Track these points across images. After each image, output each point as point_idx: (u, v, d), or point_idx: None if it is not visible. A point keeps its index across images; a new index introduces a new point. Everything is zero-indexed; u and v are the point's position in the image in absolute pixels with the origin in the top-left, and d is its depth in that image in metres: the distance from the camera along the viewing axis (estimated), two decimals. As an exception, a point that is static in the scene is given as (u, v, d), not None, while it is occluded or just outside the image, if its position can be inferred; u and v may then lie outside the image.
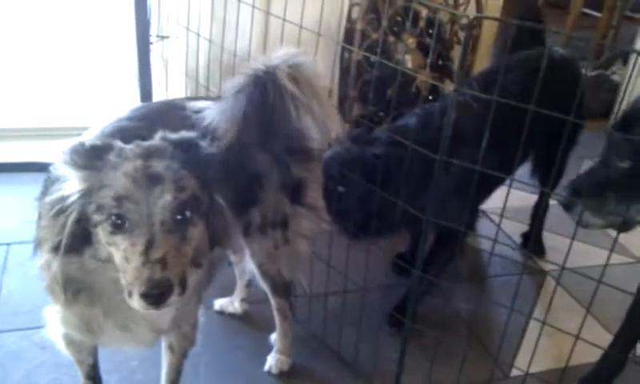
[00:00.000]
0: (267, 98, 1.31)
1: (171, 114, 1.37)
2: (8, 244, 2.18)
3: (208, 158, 1.10)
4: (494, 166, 1.41)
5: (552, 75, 1.36)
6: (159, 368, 1.50)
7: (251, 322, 1.98)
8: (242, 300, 2.00)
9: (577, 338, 1.37)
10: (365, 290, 1.91)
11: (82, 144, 1.03)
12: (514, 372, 1.86)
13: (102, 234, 1.01)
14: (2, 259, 2.11)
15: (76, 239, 1.02)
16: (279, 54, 1.35)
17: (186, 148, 1.08)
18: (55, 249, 1.04)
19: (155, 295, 0.97)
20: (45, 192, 1.15)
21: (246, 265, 1.67)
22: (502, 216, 1.45)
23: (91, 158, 1.01)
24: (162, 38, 2.46)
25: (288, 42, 1.94)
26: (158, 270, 0.96)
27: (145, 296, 0.96)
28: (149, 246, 0.97)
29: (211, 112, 1.32)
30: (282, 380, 1.78)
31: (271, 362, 1.80)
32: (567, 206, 1.47)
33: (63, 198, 1.02)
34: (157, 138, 1.08)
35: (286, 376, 1.79)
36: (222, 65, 2.24)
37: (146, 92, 2.32)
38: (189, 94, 2.45)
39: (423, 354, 1.81)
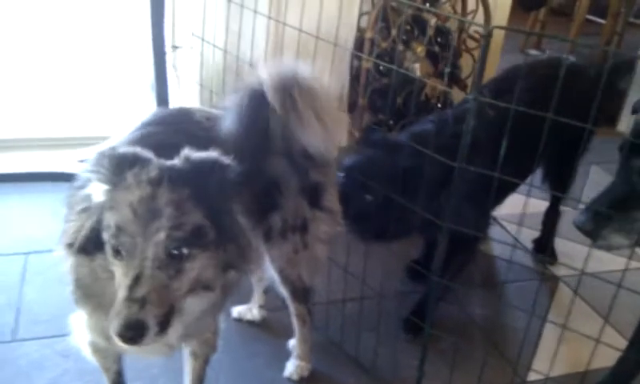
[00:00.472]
0: (260, 111, 1.33)
1: (187, 119, 1.40)
2: (27, 253, 2.20)
3: (229, 179, 1.09)
4: (507, 172, 1.43)
5: (563, 83, 1.37)
6: (180, 375, 1.52)
7: (269, 328, 2.00)
8: (260, 307, 2.01)
9: (597, 341, 1.38)
10: (381, 297, 1.93)
11: (108, 154, 1.04)
12: (532, 376, 1.87)
13: (108, 250, 1.04)
14: (21, 269, 2.13)
15: (89, 243, 1.06)
16: (272, 67, 1.35)
17: (208, 169, 1.08)
18: (70, 245, 1.08)
19: (128, 336, 0.99)
20: (72, 197, 1.18)
21: (266, 271, 1.69)
22: (520, 224, 1.46)
23: (113, 172, 1.03)
24: (175, 48, 2.50)
25: (296, 50, 1.98)
26: (135, 309, 0.98)
27: (118, 335, 0.99)
28: (136, 281, 0.99)
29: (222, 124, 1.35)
30: (302, 386, 1.80)
31: (291, 368, 1.82)
32: (591, 233, 1.40)
33: (89, 198, 1.07)
34: (181, 157, 1.08)
35: (306, 382, 1.81)
36: (236, 74, 2.28)
37: (162, 101, 2.35)
38: (201, 104, 2.48)
39: (441, 360, 1.83)
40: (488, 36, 1.30)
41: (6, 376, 1.71)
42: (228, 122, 1.33)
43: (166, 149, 1.14)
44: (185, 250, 1.04)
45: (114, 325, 0.99)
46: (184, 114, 1.45)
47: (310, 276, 1.66)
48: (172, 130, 1.32)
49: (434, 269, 1.60)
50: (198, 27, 2.37)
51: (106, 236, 1.03)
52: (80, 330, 1.31)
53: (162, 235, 1.00)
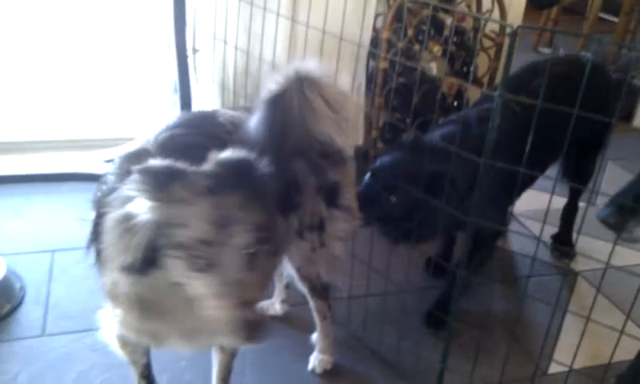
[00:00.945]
0: (279, 115, 1.34)
1: (211, 121, 1.42)
2: (53, 251, 2.24)
3: (263, 176, 1.12)
4: (526, 169, 1.46)
5: (581, 80, 1.39)
6: (207, 367, 1.56)
7: (292, 323, 2.03)
8: (283, 301, 2.04)
9: (621, 332, 1.40)
10: (403, 292, 1.95)
11: (147, 170, 1.03)
12: (553, 369, 1.90)
13: (177, 266, 1.04)
14: (48, 266, 2.18)
15: (144, 262, 1.05)
16: (291, 70, 1.36)
17: (247, 169, 1.10)
18: (124, 269, 1.07)
19: (250, 337, 1.05)
20: (101, 199, 1.19)
21: (285, 268, 1.71)
22: (543, 220, 1.48)
23: (158, 188, 1.02)
24: (196, 51, 2.54)
25: (315, 51, 2.01)
26: (249, 312, 1.04)
27: (246, 338, 1.05)
28: (227, 288, 1.03)
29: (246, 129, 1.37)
30: (326, 379, 1.83)
31: (314, 361, 1.85)
32: (615, 226, 1.40)
33: (130, 217, 1.03)
34: (214, 161, 1.08)
35: (330, 375, 1.84)
36: (255, 75, 2.32)
37: (185, 103, 2.39)
38: (223, 105, 2.53)
39: (462, 353, 1.85)
40: (514, 34, 1.32)
41: (36, 370, 1.76)
42: (251, 129, 1.35)
43: (193, 150, 1.16)
44: (257, 248, 1.07)
45: (230, 331, 1.04)
46: (208, 117, 1.47)
47: (327, 273, 1.68)
48: (197, 132, 1.34)
49: (458, 263, 1.62)
50: (219, 30, 2.41)
51: (176, 253, 1.02)
52: (109, 326, 1.33)
53: (238, 240, 1.04)
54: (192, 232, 1.01)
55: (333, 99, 1.35)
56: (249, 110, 1.45)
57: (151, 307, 1.14)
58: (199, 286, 1.04)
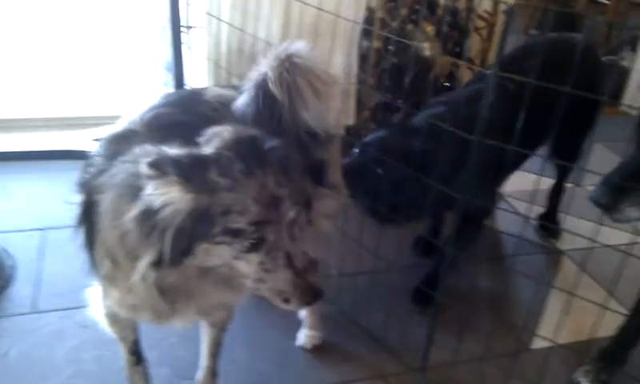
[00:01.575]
0: (267, 97, 1.34)
1: (198, 99, 1.41)
2: (44, 229, 2.25)
3: (273, 149, 1.12)
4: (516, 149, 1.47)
5: (572, 61, 1.40)
6: (197, 343, 1.58)
7: (282, 300, 2.05)
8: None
9: (602, 307, 1.43)
10: (392, 270, 1.98)
11: (171, 160, 0.99)
12: (536, 344, 1.93)
13: (225, 250, 1.04)
14: (39, 244, 2.19)
15: (176, 253, 1.02)
16: (279, 51, 1.35)
17: (258, 146, 1.09)
18: (156, 263, 1.03)
19: (309, 301, 1.14)
20: (90, 181, 1.16)
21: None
22: (531, 200, 1.49)
23: (193, 178, 0.99)
24: (189, 28, 2.52)
25: (309, 29, 2.00)
26: (309, 277, 1.11)
27: (308, 303, 1.14)
28: (290, 259, 1.08)
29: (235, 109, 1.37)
30: (315, 355, 1.86)
31: (303, 337, 1.88)
32: (606, 207, 1.39)
33: (152, 212, 0.99)
34: (220, 141, 1.06)
35: (319, 351, 1.87)
36: (249, 53, 2.31)
37: (179, 81, 2.37)
38: (215, 83, 2.51)
39: (448, 329, 1.88)
40: (510, 12, 1.33)
41: (27, 346, 1.77)
42: (238, 108, 1.35)
43: (180, 129, 1.16)
44: (305, 215, 1.13)
45: (297, 298, 1.11)
46: (194, 95, 1.46)
47: (314, 250, 1.69)
48: (183, 110, 1.32)
49: (447, 241, 1.64)
50: (214, 7, 2.39)
51: (227, 239, 1.02)
52: (98, 303, 1.35)
53: (292, 214, 1.08)
54: (244, 217, 1.01)
55: (320, 81, 1.35)
56: (236, 87, 1.44)
57: (179, 295, 1.14)
58: (249, 265, 1.06)
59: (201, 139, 1.08)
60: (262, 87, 1.33)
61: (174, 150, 1.02)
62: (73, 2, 2.93)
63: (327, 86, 1.37)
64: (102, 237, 1.14)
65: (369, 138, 1.91)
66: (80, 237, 1.22)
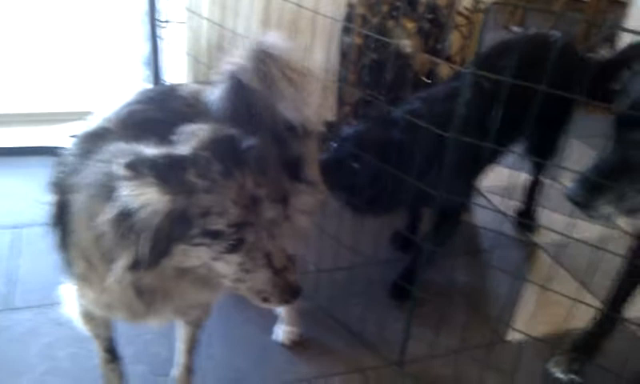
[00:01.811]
0: (242, 92, 1.32)
1: (171, 95, 1.39)
2: (19, 226, 2.22)
3: (250, 148, 1.11)
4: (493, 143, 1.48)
5: (549, 58, 1.41)
6: (172, 339, 1.57)
7: (260, 296, 2.04)
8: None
9: (575, 300, 1.45)
10: (370, 265, 1.98)
11: (148, 161, 0.97)
12: (512, 336, 1.95)
13: (204, 252, 1.03)
14: (14, 241, 2.16)
15: (153, 256, 1.01)
16: (253, 43, 1.34)
17: (235, 145, 1.08)
18: (133, 266, 1.02)
19: (287, 300, 1.14)
20: (63, 181, 1.15)
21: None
22: (508, 196, 1.51)
23: (170, 179, 0.97)
24: (166, 22, 2.50)
25: (288, 24, 1.99)
26: (288, 276, 1.11)
27: (287, 301, 1.15)
28: (269, 259, 1.08)
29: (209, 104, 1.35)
30: (293, 350, 1.86)
31: (280, 333, 1.87)
32: (583, 204, 1.39)
33: (128, 213, 0.97)
34: (197, 141, 1.04)
35: (297, 346, 1.87)
36: (229, 48, 2.28)
37: (157, 77, 2.36)
38: (195, 79, 2.50)
39: (425, 323, 1.88)
40: (488, 11, 1.33)
41: (1, 342, 1.75)
42: (213, 103, 1.33)
43: (154, 126, 1.16)
44: (280, 214, 1.14)
45: (277, 297, 1.12)
46: (168, 91, 1.44)
47: (292, 246, 1.67)
48: (157, 107, 1.31)
49: (425, 236, 1.65)
50: (193, 1, 2.37)
51: (206, 240, 1.01)
52: (72, 301, 1.33)
53: (270, 214, 1.08)
54: (223, 218, 1.01)
55: (295, 71, 1.34)
56: (211, 83, 1.42)
57: (157, 295, 1.13)
58: (228, 265, 1.06)
59: (176, 138, 1.07)
60: (236, 80, 1.32)
61: (150, 150, 1.00)
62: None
63: (302, 77, 1.35)
64: (76, 238, 1.13)
65: (345, 131, 1.91)
66: (53, 236, 1.20)
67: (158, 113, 1.28)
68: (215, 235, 1.01)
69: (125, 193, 0.96)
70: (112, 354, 1.51)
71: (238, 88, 1.32)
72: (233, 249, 1.04)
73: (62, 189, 1.16)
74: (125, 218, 0.98)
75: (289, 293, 1.12)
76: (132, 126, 1.20)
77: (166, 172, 0.97)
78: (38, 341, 1.78)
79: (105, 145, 1.12)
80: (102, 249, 1.05)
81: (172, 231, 0.99)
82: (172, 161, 0.99)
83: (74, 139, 1.22)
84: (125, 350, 1.58)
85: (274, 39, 1.34)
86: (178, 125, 1.09)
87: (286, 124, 1.44)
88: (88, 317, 1.37)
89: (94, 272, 1.13)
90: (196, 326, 1.53)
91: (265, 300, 1.12)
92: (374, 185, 1.80)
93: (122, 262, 1.02)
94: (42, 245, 1.21)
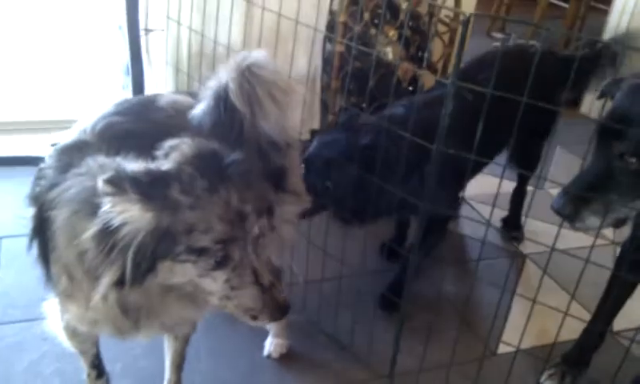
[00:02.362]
0: (226, 108, 1.30)
1: (151, 107, 1.37)
2: (0, 237, 2.18)
3: (234, 163, 1.10)
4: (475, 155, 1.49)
5: (529, 69, 1.41)
6: (160, 354, 1.56)
7: (248, 309, 2.03)
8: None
9: (565, 314, 1.46)
10: (358, 276, 1.98)
11: (129, 177, 0.95)
12: (502, 349, 1.98)
13: (189, 269, 1.02)
14: (-3, 253, 2.12)
15: (137, 273, 0.99)
16: (237, 59, 1.32)
17: (219, 160, 1.07)
18: (118, 283, 1.00)
19: (276, 317, 1.13)
20: (41, 195, 1.12)
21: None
22: (493, 204, 1.52)
23: (154, 196, 0.96)
24: (148, 31, 2.48)
25: (269, 33, 1.98)
26: (276, 293, 1.10)
27: (276, 319, 1.14)
28: (256, 275, 1.07)
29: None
30: (282, 363, 1.85)
31: (269, 346, 1.87)
32: (569, 216, 1.40)
33: (111, 231, 0.96)
34: (180, 156, 1.03)
35: (286, 359, 1.86)
36: (209, 57, 2.27)
37: (137, 85, 2.33)
38: (177, 88, 2.48)
39: (415, 336, 1.90)
40: (467, 22, 1.34)
41: (-15, 359, 1.71)
42: (195, 118, 1.30)
43: (133, 138, 1.14)
44: (267, 229, 1.12)
45: (267, 315, 1.11)
46: (147, 102, 1.42)
47: (278, 256, 1.67)
48: (136, 118, 1.29)
49: (411, 247, 1.66)
50: (173, 10, 2.36)
51: (191, 257, 1.00)
52: (56, 317, 1.31)
53: (256, 229, 1.07)
54: (209, 235, 0.99)
55: (280, 91, 1.33)
56: (192, 94, 1.41)
57: (142, 311, 1.12)
58: (214, 282, 1.05)
59: (158, 152, 1.05)
60: (223, 97, 1.30)
61: (132, 165, 0.99)
62: (30, 2, 2.85)
63: (287, 96, 1.34)
64: (59, 254, 1.11)
65: (310, 151, 1.90)
66: (34, 251, 1.19)
67: (136, 124, 1.26)
68: (201, 252, 1.00)
69: (106, 209, 0.95)
70: (98, 370, 1.50)
71: (224, 105, 1.31)
72: (219, 265, 1.03)
73: (40, 203, 1.14)
74: (108, 234, 0.96)
75: (277, 310, 1.11)
76: (110, 138, 1.18)
77: (149, 188, 0.96)
78: (23, 357, 1.75)
79: (83, 158, 1.10)
80: (86, 265, 1.04)
81: (156, 248, 0.98)
82: (155, 177, 0.98)
83: (51, 152, 1.20)
84: (112, 365, 1.58)
85: (259, 57, 1.32)
86: (158, 137, 1.07)
87: (269, 138, 1.44)
88: (72, 332, 1.35)
89: (77, 288, 1.12)
90: (184, 341, 1.53)
91: (254, 318, 1.11)
92: (353, 195, 1.81)
93: (106, 280, 1.00)
94: (25, 258, 1.19)
